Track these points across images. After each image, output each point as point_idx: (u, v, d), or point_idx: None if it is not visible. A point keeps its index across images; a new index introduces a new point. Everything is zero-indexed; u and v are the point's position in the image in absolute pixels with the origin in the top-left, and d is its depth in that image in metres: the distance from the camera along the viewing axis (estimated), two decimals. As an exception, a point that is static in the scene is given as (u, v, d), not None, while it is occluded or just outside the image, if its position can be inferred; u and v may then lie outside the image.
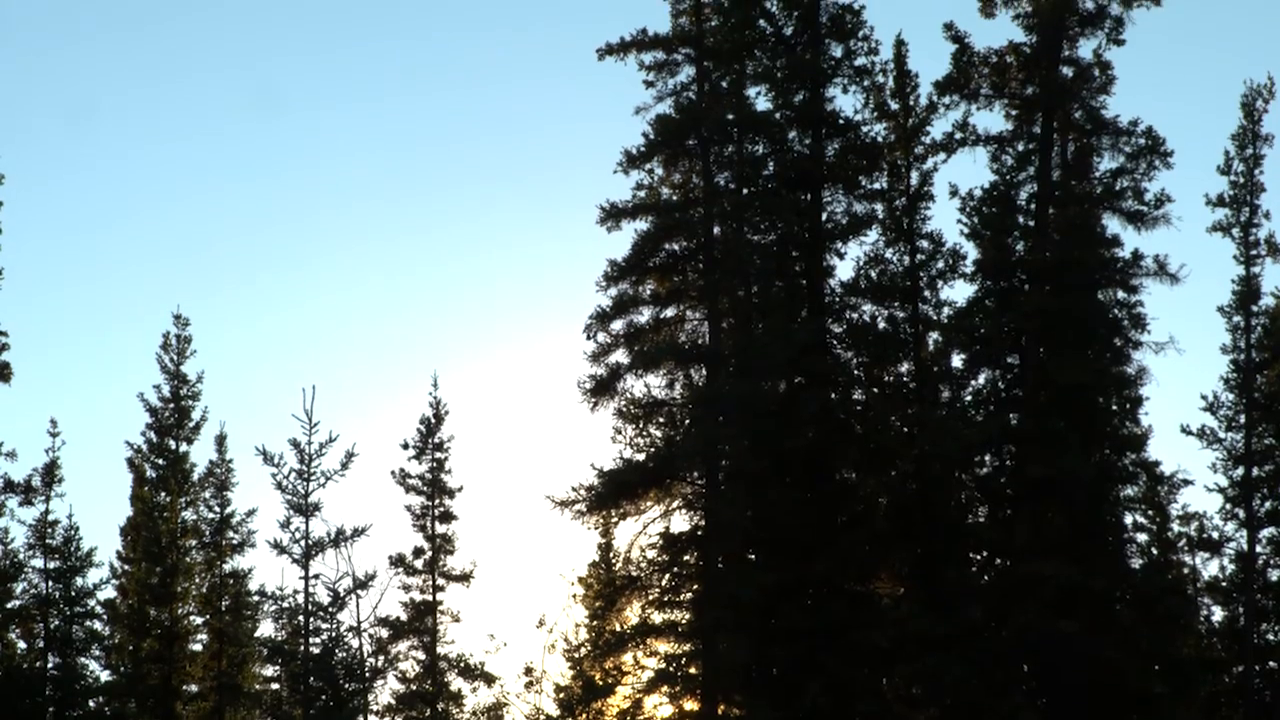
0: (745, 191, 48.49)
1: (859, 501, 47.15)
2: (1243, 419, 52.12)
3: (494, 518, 76.12)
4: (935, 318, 48.87)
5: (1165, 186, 47.20)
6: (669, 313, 48.32)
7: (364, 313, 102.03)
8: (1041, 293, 46.36)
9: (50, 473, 52.49)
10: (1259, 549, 51.84)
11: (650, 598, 47.18)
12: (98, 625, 53.78)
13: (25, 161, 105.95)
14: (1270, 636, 51.79)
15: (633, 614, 47.67)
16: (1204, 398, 52.74)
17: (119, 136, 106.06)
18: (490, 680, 50.15)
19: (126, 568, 55.05)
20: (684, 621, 46.85)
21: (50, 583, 52.76)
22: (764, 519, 45.16)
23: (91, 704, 52.78)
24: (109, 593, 54.24)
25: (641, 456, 46.74)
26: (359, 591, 49.58)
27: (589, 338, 47.84)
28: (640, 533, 47.57)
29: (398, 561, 49.94)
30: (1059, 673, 43.86)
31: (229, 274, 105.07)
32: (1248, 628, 51.04)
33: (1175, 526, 52.27)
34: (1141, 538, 48.82)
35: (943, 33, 48.80)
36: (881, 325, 48.31)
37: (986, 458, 47.30)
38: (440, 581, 50.13)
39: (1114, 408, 47.26)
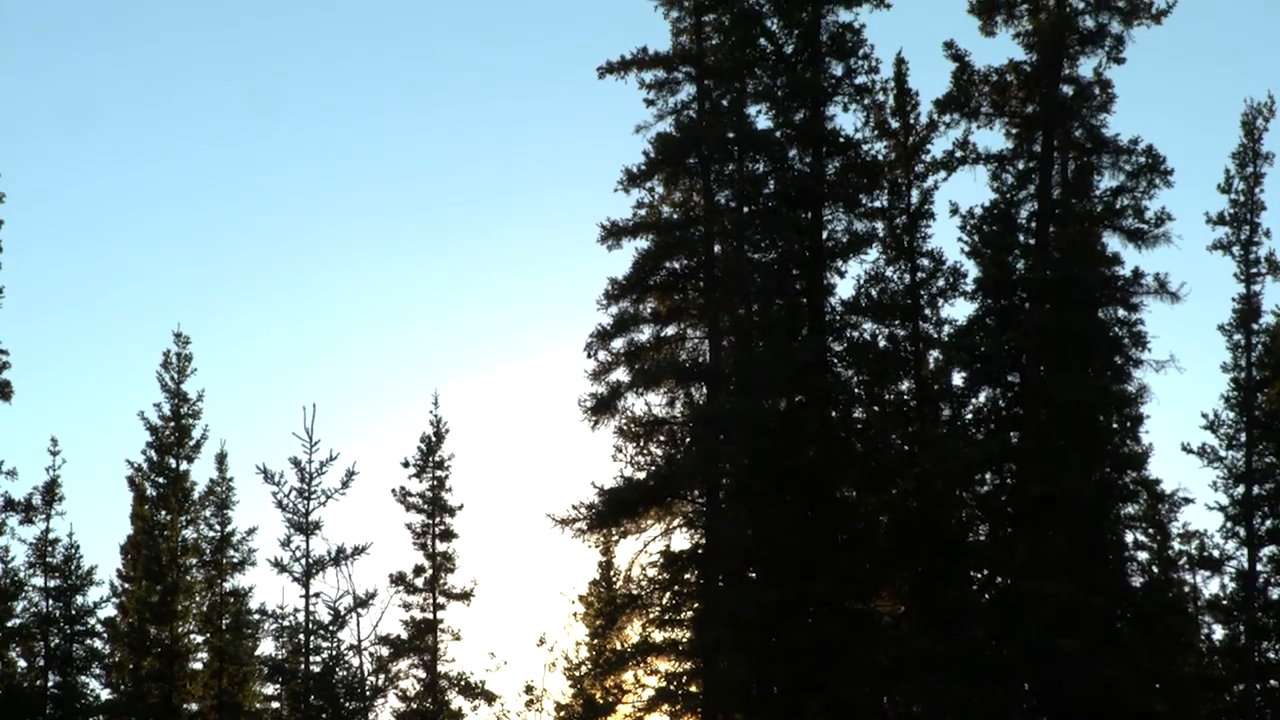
0: (746, 210, 48.55)
1: (860, 520, 47.20)
2: (1243, 437, 52.05)
3: (495, 536, 76.18)
4: (936, 336, 48.95)
5: (1166, 205, 47.40)
6: (670, 331, 48.32)
7: (365, 330, 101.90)
8: (1042, 311, 46.38)
9: (51, 491, 52.36)
10: (1259, 567, 51.78)
11: (651, 616, 47.13)
12: (98, 644, 53.61)
13: (24, 178, 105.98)
14: (1271, 655, 51.68)
15: (633, 632, 47.64)
16: (1204, 416, 52.80)
17: (119, 153, 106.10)
18: (491, 699, 50.01)
19: (127, 586, 54.90)
20: (684, 640, 46.79)
21: (50, 601, 52.63)
22: (765, 537, 45.16)
23: (92, 722, 52.74)
24: (109, 611, 54.14)
25: (642, 475, 46.70)
26: (359, 610, 49.48)
27: (590, 356, 47.91)
28: (641, 551, 47.59)
29: (398, 580, 49.82)
30: (1060, 691, 43.78)
31: (229, 291, 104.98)
32: (1248, 646, 50.97)
33: (1176, 545, 52.18)
34: (1142, 556, 48.97)
35: (943, 51, 49.01)
36: (882, 343, 48.40)
37: (987, 476, 47.27)
38: (441, 600, 50.00)
39: (1115, 426, 47.28)
